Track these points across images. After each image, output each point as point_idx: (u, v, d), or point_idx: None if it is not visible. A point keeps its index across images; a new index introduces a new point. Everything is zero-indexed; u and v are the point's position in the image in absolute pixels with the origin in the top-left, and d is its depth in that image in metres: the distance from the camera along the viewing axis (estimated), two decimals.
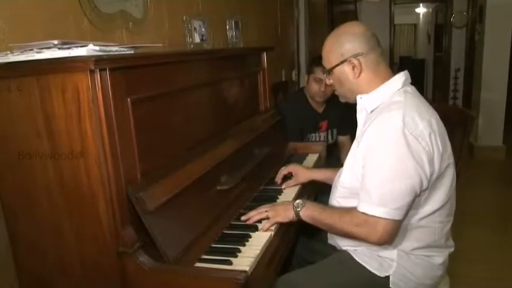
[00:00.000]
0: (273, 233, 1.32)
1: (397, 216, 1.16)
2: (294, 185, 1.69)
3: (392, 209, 1.15)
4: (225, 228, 1.35)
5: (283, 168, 1.74)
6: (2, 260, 1.21)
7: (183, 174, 1.26)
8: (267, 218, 1.36)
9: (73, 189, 1.08)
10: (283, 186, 1.69)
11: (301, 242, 1.62)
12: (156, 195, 1.13)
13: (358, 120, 1.32)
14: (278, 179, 1.73)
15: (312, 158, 2.09)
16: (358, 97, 1.28)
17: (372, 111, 1.25)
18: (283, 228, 1.36)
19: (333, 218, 1.26)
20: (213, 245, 1.24)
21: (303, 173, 1.70)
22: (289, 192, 1.66)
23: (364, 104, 1.27)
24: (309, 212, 1.31)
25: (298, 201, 1.34)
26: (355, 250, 1.30)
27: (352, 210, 1.23)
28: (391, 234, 1.18)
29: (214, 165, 1.43)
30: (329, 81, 1.34)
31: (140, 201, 1.09)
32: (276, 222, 1.35)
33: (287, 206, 1.36)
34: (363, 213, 1.18)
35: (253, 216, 1.38)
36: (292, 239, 1.46)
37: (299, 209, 1.32)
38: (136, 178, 1.14)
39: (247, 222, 1.37)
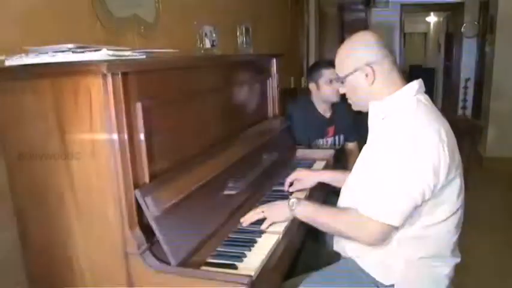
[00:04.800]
0: (280, 236, 1.32)
1: (391, 221, 1.16)
2: (302, 190, 1.69)
3: (387, 213, 1.16)
4: (231, 233, 1.35)
5: (289, 177, 1.74)
6: (12, 261, 1.23)
7: (191, 178, 1.27)
8: (265, 219, 1.37)
9: (83, 190, 1.09)
10: (290, 190, 1.69)
11: (307, 248, 1.62)
12: (164, 198, 1.14)
13: (370, 127, 1.32)
14: (285, 186, 1.72)
15: (319, 165, 2.09)
16: (370, 104, 1.29)
17: (383, 119, 1.26)
18: (289, 233, 1.36)
19: (328, 217, 1.28)
20: (219, 249, 1.24)
21: (309, 176, 1.70)
22: (297, 196, 1.64)
23: (377, 111, 1.28)
24: (304, 210, 1.32)
25: (293, 200, 1.35)
26: (360, 257, 1.30)
27: (348, 209, 1.25)
28: (383, 237, 1.19)
29: (223, 169, 1.43)
30: (342, 90, 1.34)
31: (148, 205, 1.10)
32: (273, 222, 1.36)
33: (282, 205, 1.37)
34: (359, 213, 1.19)
35: (249, 217, 1.39)
36: (298, 244, 1.47)
37: (294, 208, 1.33)
38: (144, 181, 1.15)
39: (244, 224, 1.38)
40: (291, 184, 1.72)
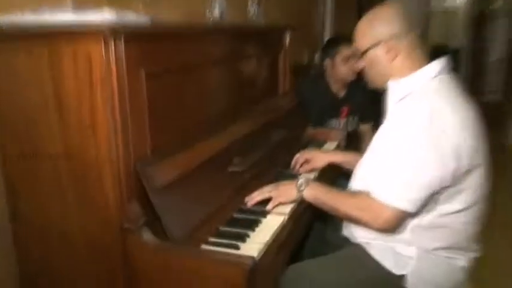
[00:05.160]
0: (286, 218, 1.32)
1: (405, 206, 1.16)
2: (311, 170, 1.69)
3: (401, 198, 1.15)
4: (235, 212, 1.35)
5: (297, 155, 1.74)
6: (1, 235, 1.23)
7: (195, 152, 1.28)
8: (271, 199, 1.37)
9: (80, 160, 1.09)
10: (299, 171, 1.69)
11: (314, 231, 1.63)
12: (165, 171, 1.15)
13: (386, 107, 1.30)
14: (294, 165, 1.73)
15: (330, 146, 2.09)
16: (389, 83, 1.27)
17: (401, 99, 1.24)
18: (296, 214, 1.37)
19: (337, 200, 1.28)
20: (222, 228, 1.25)
21: (320, 156, 1.70)
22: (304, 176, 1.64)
23: (395, 91, 1.26)
24: (313, 192, 1.32)
25: (301, 180, 1.35)
26: (370, 243, 1.30)
27: (359, 193, 1.25)
28: (395, 223, 1.19)
29: (228, 145, 1.44)
30: (360, 65, 1.32)
31: (148, 177, 1.10)
32: (280, 203, 1.36)
33: (290, 185, 1.37)
34: (370, 197, 1.19)
35: (255, 196, 1.39)
36: (306, 226, 1.47)
37: (302, 189, 1.33)
38: (146, 153, 1.15)
39: (248, 204, 1.38)
40: (300, 165, 1.72)
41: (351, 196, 1.29)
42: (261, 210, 1.36)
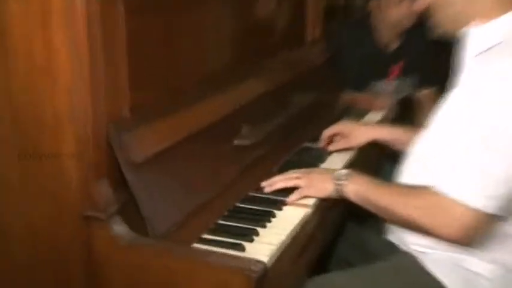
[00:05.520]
0: (309, 211, 1.32)
1: (487, 207, 1.14)
2: (346, 149, 1.70)
3: (482, 196, 1.13)
4: (239, 201, 1.36)
5: (328, 129, 1.75)
6: None
7: (189, 117, 1.28)
8: (297, 188, 1.38)
9: (28, 120, 1.09)
10: (329, 148, 1.70)
11: (347, 233, 1.64)
12: (148, 140, 1.15)
13: (460, 63, 1.29)
14: (322, 141, 1.74)
15: (374, 117, 2.08)
16: (466, 29, 1.25)
17: (483, 52, 1.22)
18: (324, 208, 1.37)
19: (390, 198, 1.27)
20: (221, 222, 1.26)
21: (359, 131, 1.70)
22: (336, 160, 1.66)
23: (474, 40, 1.24)
24: (356, 187, 1.32)
25: (342, 171, 1.36)
26: (426, 253, 1.29)
27: (420, 189, 1.23)
28: (474, 231, 1.17)
29: (233, 110, 1.44)
30: (423, 3, 1.32)
31: (124, 146, 1.09)
32: (308, 196, 1.37)
33: (326, 175, 1.38)
34: (438, 193, 1.17)
35: (277, 181, 1.40)
36: (336, 225, 1.48)
37: (342, 182, 1.33)
38: (122, 113, 1.15)
39: (266, 190, 1.39)
40: (331, 141, 1.73)
41: (409, 192, 1.27)
42: (276, 199, 1.37)
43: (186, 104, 1.31)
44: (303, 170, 1.43)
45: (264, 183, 1.41)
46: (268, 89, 1.64)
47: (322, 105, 1.97)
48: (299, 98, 1.82)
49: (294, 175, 1.40)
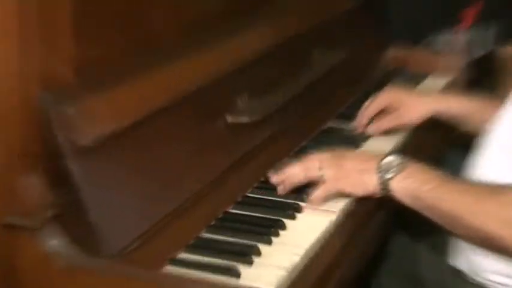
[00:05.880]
0: (336, 219, 1.32)
1: None
2: (394, 127, 1.72)
3: None
4: (233, 205, 1.37)
5: (367, 103, 1.77)
6: None
7: (161, 82, 1.29)
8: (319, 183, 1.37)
9: None
10: (368, 130, 1.73)
11: (392, 254, 1.67)
12: (102, 116, 1.14)
13: None
14: (358, 119, 1.77)
15: (436, 83, 2.12)
16: None
17: None
18: (359, 213, 1.38)
19: (459, 201, 1.26)
20: (205, 235, 1.26)
21: (414, 103, 1.72)
22: (377, 146, 1.68)
23: None
24: (410, 183, 1.31)
25: (392, 158, 1.34)
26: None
27: (505, 190, 1.24)
28: None
29: (226, 73, 1.45)
30: None
31: (66, 124, 1.08)
32: (337, 192, 1.37)
33: (367, 163, 1.37)
34: None
35: (292, 174, 1.39)
36: (376, 242, 1.48)
37: (390, 176, 1.31)
38: (63, 77, 1.14)
39: (279, 190, 1.40)
40: (371, 119, 1.76)
41: (487, 195, 1.26)
42: (287, 202, 1.38)
43: (158, 63, 1.31)
44: (328, 153, 1.42)
45: (273, 179, 1.42)
46: (276, 42, 1.66)
47: (356, 66, 2.02)
48: (322, 56, 1.84)
49: (316, 161, 1.39)
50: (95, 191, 1.10)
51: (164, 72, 1.32)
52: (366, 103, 1.73)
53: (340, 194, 1.37)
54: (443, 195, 1.27)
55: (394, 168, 1.31)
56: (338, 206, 1.34)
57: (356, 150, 1.63)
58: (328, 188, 1.35)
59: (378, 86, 1.89)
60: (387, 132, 1.70)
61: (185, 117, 1.35)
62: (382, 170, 1.32)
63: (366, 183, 1.34)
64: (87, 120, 1.11)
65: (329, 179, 1.35)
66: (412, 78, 2.08)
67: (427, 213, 1.30)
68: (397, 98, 1.72)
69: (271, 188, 1.42)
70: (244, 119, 1.46)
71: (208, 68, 1.42)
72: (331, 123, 1.75)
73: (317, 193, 1.34)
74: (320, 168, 1.36)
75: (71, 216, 1.09)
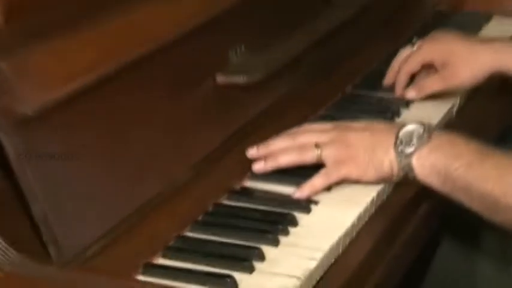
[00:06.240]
0: (360, 212, 1.33)
1: None
2: (441, 90, 1.75)
3: None
4: (225, 194, 1.39)
5: (401, 57, 1.79)
6: None
7: (127, 27, 1.30)
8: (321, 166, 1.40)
9: None
10: (406, 95, 1.76)
11: (442, 260, 1.72)
12: (44, 74, 1.13)
13: None
14: (389, 78, 1.81)
15: (503, 28, 2.18)
16: None
17: None
18: (393, 202, 1.42)
19: (501, 180, 1.30)
20: (189, 234, 1.28)
21: (471, 57, 1.75)
22: (420, 114, 1.68)
23: None
24: (438, 158, 1.34)
25: (411, 127, 1.37)
26: None
27: None
28: None
29: (214, 16, 1.46)
30: None
31: None
32: (343, 179, 1.40)
33: (379, 135, 1.43)
34: None
35: (277, 149, 1.44)
36: (417, 244, 1.50)
37: (411, 150, 1.34)
38: None
39: (256, 168, 1.44)
40: (410, 80, 1.79)
41: None
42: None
43: (123, 3, 1.31)
44: (331, 124, 1.48)
45: (252, 151, 1.44)
46: None
47: (392, 6, 2.05)
48: None
49: (312, 135, 1.44)
50: (40, 177, 1.10)
51: (131, 15, 1.31)
52: (402, 55, 1.75)
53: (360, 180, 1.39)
54: (481, 172, 1.31)
55: (416, 140, 1.34)
56: (366, 196, 1.36)
57: (389, 122, 1.63)
58: (328, 175, 1.38)
59: (422, 32, 1.90)
60: (433, 97, 1.72)
61: (160, 78, 1.36)
62: (401, 143, 1.35)
63: (380, 162, 1.38)
64: (26, 80, 1.10)
65: (329, 161, 1.39)
66: (468, 22, 2.10)
67: (459, 196, 1.33)
68: (445, 51, 1.73)
69: (278, 173, 1.42)
70: (239, 80, 1.48)
71: (191, 9, 1.43)
72: (356, 89, 1.76)
73: (313, 182, 1.37)
74: (317, 146, 1.39)
75: (9, 213, 1.11)
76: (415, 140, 1.34)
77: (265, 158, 1.41)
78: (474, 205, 1.32)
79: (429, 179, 1.34)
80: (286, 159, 1.40)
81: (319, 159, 1.38)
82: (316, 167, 1.38)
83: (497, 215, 1.33)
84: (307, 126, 1.43)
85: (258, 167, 1.40)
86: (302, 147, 1.40)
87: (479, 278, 1.56)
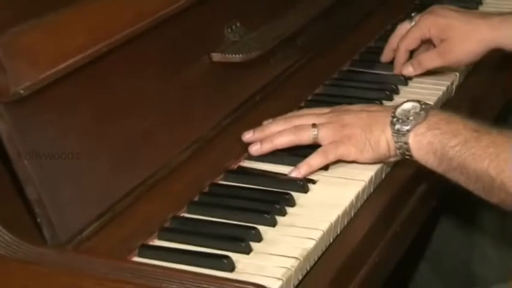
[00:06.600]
0: (359, 190, 1.34)
1: None
2: (439, 67, 1.75)
3: None
4: (222, 173, 1.40)
5: (398, 33, 1.81)
6: None
7: (117, 4, 1.30)
8: (316, 146, 1.41)
9: None
10: (404, 72, 1.77)
11: (440, 241, 1.69)
12: (36, 50, 1.13)
13: None
14: (386, 55, 1.82)
15: (496, 2, 2.19)
16: None
17: None
18: (392, 181, 1.43)
19: (498, 158, 1.29)
20: (185, 215, 1.28)
21: (469, 31, 1.74)
22: (419, 92, 1.72)
23: None
24: (435, 136, 1.34)
25: (407, 105, 1.39)
26: None
27: None
28: None
29: None
30: None
31: None
32: (337, 159, 1.41)
33: (376, 115, 1.43)
34: None
35: (273, 132, 1.44)
36: (416, 223, 1.51)
37: (408, 127, 1.34)
38: None
39: (252, 150, 1.44)
40: (408, 57, 1.80)
41: None
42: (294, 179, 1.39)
43: None
44: (325, 108, 1.48)
45: (247, 135, 1.45)
46: None
47: None
48: None
49: (309, 117, 1.44)
50: (32, 157, 1.10)
51: None
52: (400, 30, 1.74)
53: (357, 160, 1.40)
54: (477, 150, 1.31)
55: (413, 117, 1.34)
56: (365, 175, 1.37)
57: (388, 103, 1.64)
58: (325, 154, 1.38)
59: (420, 6, 1.90)
60: (432, 73, 1.72)
61: (154, 56, 1.36)
62: (397, 121, 1.35)
63: (376, 141, 1.38)
64: (18, 59, 1.10)
65: (326, 141, 1.39)
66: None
67: (455, 175, 1.33)
68: (443, 26, 1.73)
69: (276, 153, 1.43)
70: (235, 57, 1.48)
71: None
72: (355, 63, 1.75)
73: (310, 160, 1.37)
74: (314, 126, 1.40)
75: (2, 193, 1.11)
76: (411, 118, 1.34)
77: (261, 141, 1.40)
78: (470, 185, 1.32)
79: (425, 158, 1.34)
80: (282, 141, 1.40)
81: (316, 139, 1.39)
82: (313, 148, 1.39)
83: (493, 195, 1.33)
84: (303, 110, 1.42)
85: (255, 148, 1.41)
86: (299, 128, 1.40)
87: (478, 255, 1.56)
